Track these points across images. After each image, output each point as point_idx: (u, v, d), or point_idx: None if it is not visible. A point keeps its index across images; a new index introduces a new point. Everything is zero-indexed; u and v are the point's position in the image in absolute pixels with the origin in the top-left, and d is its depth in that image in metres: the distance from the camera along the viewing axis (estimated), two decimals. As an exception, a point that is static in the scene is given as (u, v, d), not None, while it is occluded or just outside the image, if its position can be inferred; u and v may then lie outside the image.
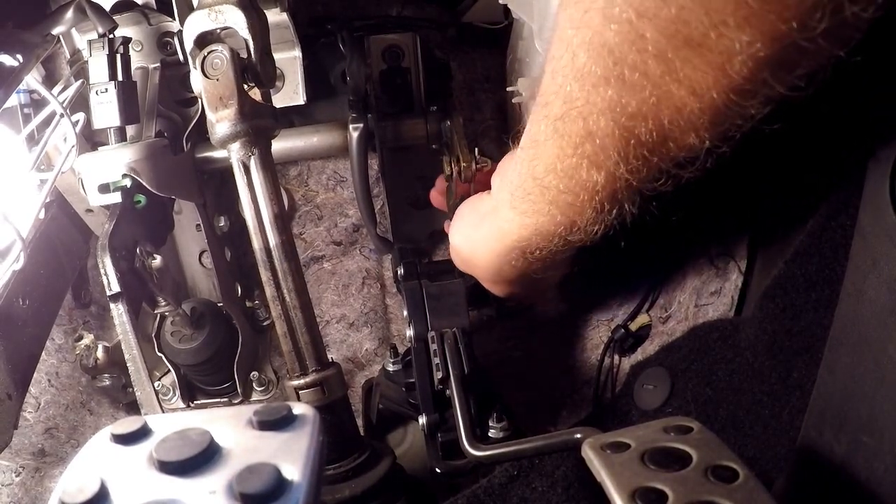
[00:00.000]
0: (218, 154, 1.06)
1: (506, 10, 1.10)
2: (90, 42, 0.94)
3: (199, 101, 0.83)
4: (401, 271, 0.97)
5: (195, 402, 1.17)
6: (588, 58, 0.49)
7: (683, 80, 0.45)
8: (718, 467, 0.49)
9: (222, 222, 1.21)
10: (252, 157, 0.76)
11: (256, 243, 0.77)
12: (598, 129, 0.52)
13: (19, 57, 0.83)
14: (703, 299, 0.94)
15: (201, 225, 1.16)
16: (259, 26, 0.78)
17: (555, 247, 0.67)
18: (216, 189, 1.20)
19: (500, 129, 1.25)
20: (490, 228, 0.74)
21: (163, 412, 0.88)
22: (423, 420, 0.84)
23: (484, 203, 0.77)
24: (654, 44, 0.44)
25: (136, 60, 1.02)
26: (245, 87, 0.76)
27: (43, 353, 1.07)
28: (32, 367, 0.99)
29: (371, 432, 0.99)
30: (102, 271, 0.86)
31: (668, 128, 0.49)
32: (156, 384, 1.13)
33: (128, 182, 0.92)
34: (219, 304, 1.16)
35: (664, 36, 0.43)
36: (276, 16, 0.97)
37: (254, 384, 1.20)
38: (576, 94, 0.52)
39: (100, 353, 1.14)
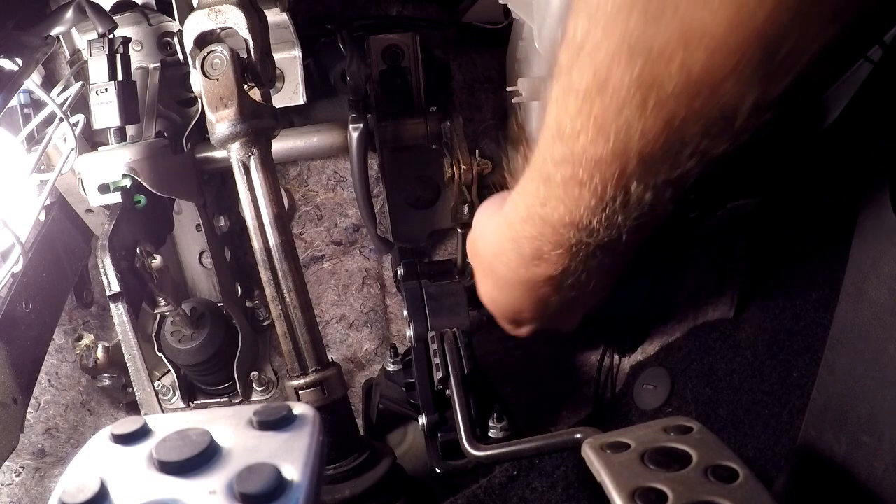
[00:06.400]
0: (218, 154, 1.06)
1: (506, 10, 1.10)
2: (90, 42, 0.94)
3: (199, 101, 0.83)
4: (401, 271, 0.97)
5: (195, 402, 1.17)
6: None
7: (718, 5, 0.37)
8: (718, 467, 0.49)
9: (222, 222, 1.21)
10: (252, 157, 0.76)
11: (256, 243, 0.77)
12: (612, 79, 0.42)
13: (19, 61, 0.83)
14: (703, 299, 0.94)
15: (201, 225, 1.16)
16: (259, 26, 0.78)
17: (550, 243, 0.56)
18: (216, 189, 1.20)
19: (500, 129, 1.25)
20: (498, 217, 0.64)
21: (163, 412, 0.88)
22: (423, 420, 0.84)
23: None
24: None
25: (136, 60, 1.02)
26: (245, 87, 0.76)
27: (43, 354, 1.06)
28: (37, 369, 0.98)
29: (371, 432, 0.99)
30: (102, 271, 0.86)
31: (699, 71, 0.40)
32: (156, 384, 1.13)
33: (128, 182, 0.92)
34: (219, 304, 1.16)
35: None
36: (276, 16, 0.97)
37: (254, 384, 1.20)
38: (587, 33, 0.43)
39: (100, 353, 1.14)
